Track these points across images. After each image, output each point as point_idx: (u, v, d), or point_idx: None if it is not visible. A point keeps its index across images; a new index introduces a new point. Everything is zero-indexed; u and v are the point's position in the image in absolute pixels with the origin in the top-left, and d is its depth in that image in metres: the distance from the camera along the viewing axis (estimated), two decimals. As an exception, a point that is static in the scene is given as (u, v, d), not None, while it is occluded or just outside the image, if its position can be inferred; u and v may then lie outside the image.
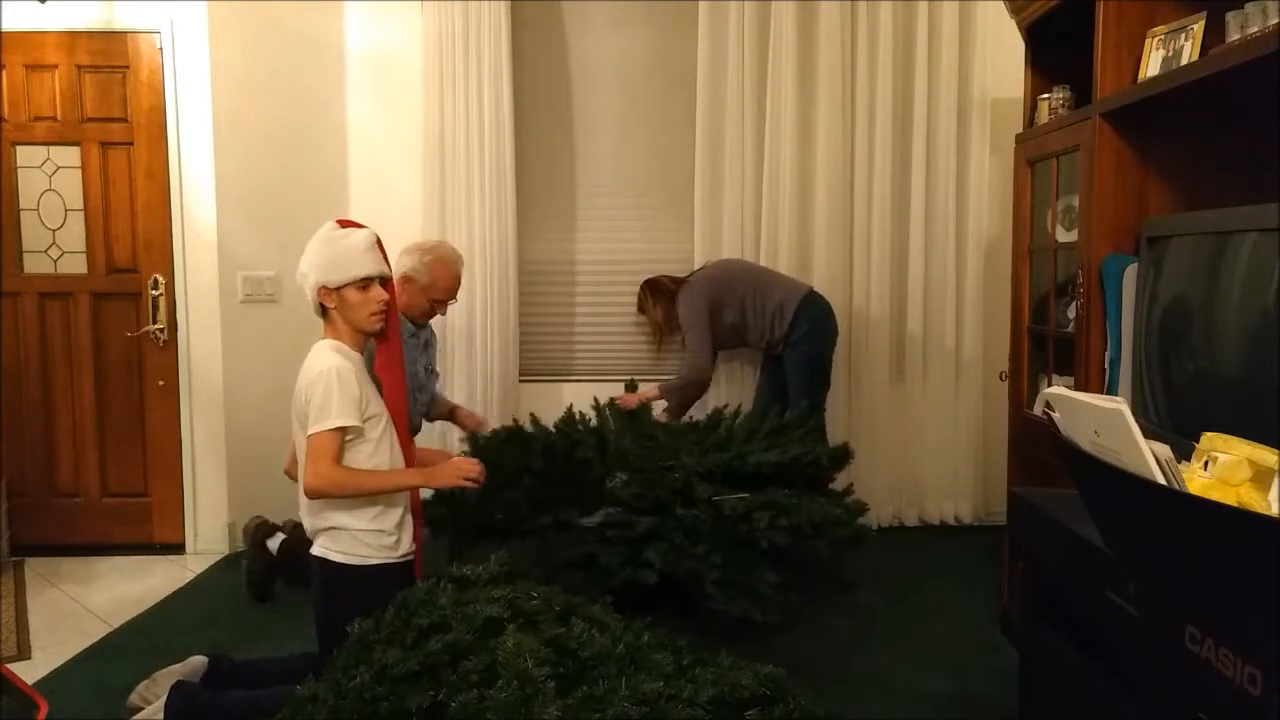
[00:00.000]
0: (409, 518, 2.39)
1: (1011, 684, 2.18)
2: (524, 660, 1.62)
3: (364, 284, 2.31)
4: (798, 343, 3.67)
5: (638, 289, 4.03)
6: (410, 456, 2.45)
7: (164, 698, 2.26)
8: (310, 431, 2.19)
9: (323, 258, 2.29)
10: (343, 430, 2.20)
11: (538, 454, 2.94)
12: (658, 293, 3.93)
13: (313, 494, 2.22)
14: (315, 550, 2.30)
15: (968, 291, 4.10)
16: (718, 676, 1.69)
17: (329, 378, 2.20)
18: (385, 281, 2.37)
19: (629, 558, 2.69)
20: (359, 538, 2.27)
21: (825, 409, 3.82)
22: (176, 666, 2.40)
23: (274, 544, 3.32)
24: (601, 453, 2.95)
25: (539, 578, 2.11)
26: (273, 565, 3.30)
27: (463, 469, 2.36)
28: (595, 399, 3.53)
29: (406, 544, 2.36)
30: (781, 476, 3.01)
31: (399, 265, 3.12)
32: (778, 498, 2.83)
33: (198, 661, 2.41)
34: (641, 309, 4.06)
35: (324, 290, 2.29)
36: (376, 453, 2.29)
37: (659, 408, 3.67)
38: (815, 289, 3.80)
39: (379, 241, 2.37)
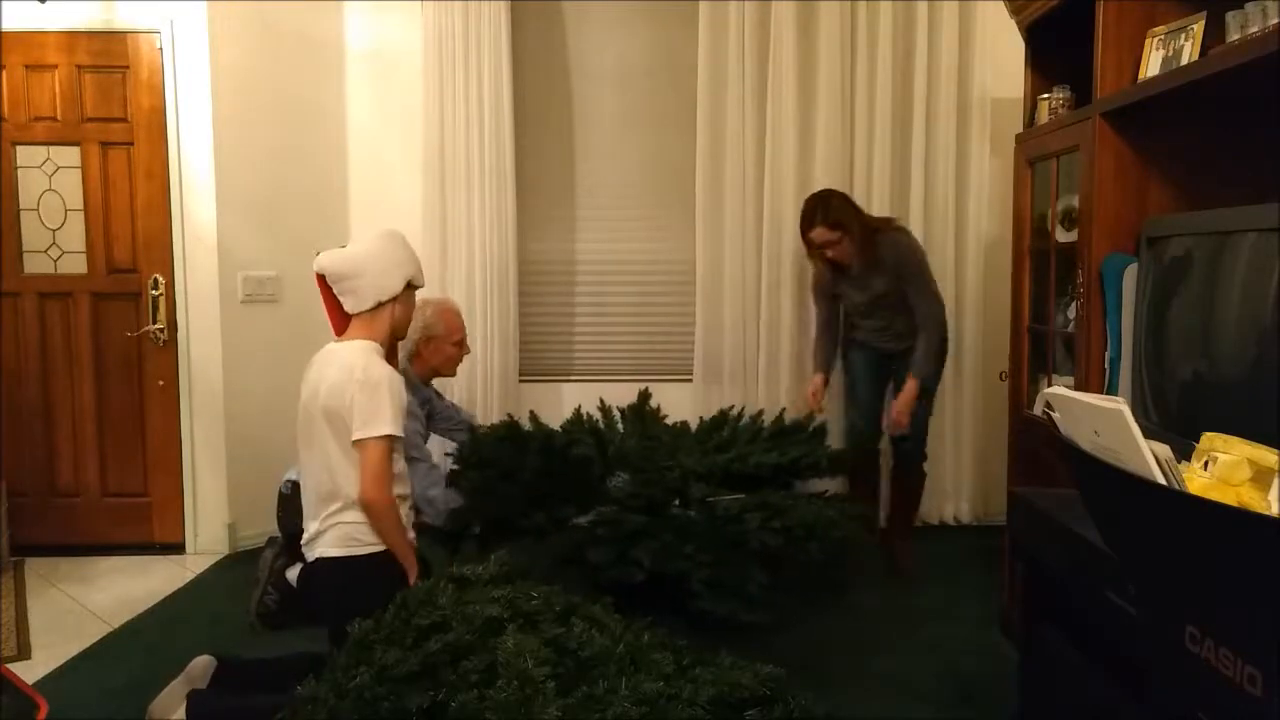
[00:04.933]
0: None
1: (1011, 684, 2.19)
2: (524, 660, 1.62)
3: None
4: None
5: (808, 203, 3.37)
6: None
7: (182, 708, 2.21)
8: (361, 436, 2.21)
9: (409, 255, 2.41)
10: (392, 440, 2.25)
11: (534, 451, 2.93)
12: (850, 220, 3.32)
13: (373, 508, 2.23)
14: (331, 552, 2.29)
15: (968, 292, 4.10)
16: (718, 676, 1.69)
17: (390, 383, 2.24)
18: None
19: (618, 555, 2.70)
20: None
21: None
22: (181, 677, 2.32)
23: (293, 574, 2.96)
24: (601, 451, 2.95)
25: (539, 578, 2.11)
26: (293, 597, 2.98)
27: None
28: (601, 399, 3.48)
29: None
30: (779, 478, 3.01)
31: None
32: (772, 499, 2.82)
33: (202, 663, 2.35)
34: (835, 225, 3.28)
35: (409, 287, 2.39)
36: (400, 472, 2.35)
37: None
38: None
39: None
